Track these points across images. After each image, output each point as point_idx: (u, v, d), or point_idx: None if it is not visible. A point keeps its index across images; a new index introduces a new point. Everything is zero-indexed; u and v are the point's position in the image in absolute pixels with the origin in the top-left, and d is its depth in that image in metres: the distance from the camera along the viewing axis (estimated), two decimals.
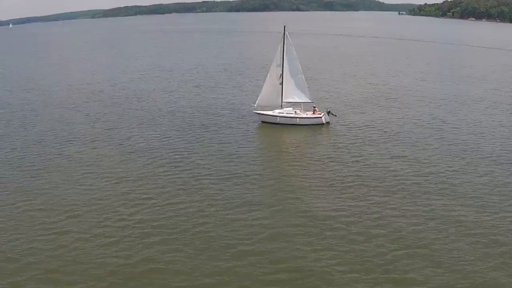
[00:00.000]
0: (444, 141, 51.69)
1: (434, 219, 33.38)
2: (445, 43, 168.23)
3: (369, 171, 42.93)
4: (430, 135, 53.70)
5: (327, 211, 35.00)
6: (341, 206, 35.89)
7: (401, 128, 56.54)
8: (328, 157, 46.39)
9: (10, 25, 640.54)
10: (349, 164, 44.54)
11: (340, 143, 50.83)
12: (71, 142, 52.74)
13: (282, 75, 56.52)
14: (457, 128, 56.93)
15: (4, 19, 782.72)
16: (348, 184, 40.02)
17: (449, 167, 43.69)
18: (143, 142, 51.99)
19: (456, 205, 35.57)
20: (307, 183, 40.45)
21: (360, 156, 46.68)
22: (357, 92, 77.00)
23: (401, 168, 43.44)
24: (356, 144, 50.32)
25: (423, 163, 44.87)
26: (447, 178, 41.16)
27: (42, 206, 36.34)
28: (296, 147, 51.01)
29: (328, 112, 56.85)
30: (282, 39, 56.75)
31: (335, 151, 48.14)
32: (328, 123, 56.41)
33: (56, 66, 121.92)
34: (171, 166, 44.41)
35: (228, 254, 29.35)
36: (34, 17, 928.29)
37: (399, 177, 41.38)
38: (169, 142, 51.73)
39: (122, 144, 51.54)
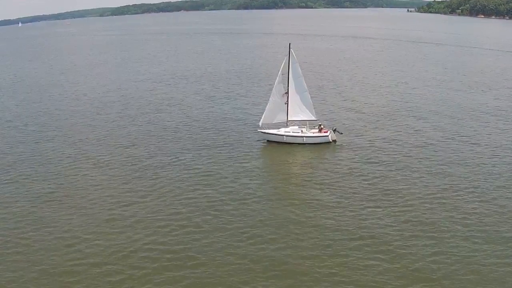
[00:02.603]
0: (458, 156, 51.52)
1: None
2: (456, 45, 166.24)
3: (379, 191, 42.96)
4: (442, 151, 53.31)
5: (336, 232, 35.36)
6: (351, 227, 36.15)
7: (412, 144, 55.99)
8: (336, 178, 46.15)
9: (20, 24, 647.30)
10: (358, 185, 44.43)
11: (347, 162, 50.52)
12: (83, 162, 52.79)
13: (287, 93, 56.40)
14: (470, 141, 56.74)
15: (13, 18, 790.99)
16: (357, 206, 40.13)
17: (465, 184, 43.70)
18: (151, 161, 52.33)
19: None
20: (316, 205, 40.49)
21: (369, 176, 46.54)
22: (364, 105, 75.91)
23: (413, 188, 43.40)
24: (364, 163, 50.02)
25: (436, 182, 44.78)
26: (465, 198, 41.26)
27: (62, 234, 36.79)
28: (303, 167, 50.74)
29: (334, 130, 56.66)
30: (287, 57, 56.33)
31: (343, 171, 47.83)
32: (334, 141, 56.11)
33: (65, 73, 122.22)
34: (178, 188, 44.68)
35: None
36: (43, 15, 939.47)
37: (410, 198, 41.34)
38: (175, 161, 51.91)
39: (131, 163, 51.70)
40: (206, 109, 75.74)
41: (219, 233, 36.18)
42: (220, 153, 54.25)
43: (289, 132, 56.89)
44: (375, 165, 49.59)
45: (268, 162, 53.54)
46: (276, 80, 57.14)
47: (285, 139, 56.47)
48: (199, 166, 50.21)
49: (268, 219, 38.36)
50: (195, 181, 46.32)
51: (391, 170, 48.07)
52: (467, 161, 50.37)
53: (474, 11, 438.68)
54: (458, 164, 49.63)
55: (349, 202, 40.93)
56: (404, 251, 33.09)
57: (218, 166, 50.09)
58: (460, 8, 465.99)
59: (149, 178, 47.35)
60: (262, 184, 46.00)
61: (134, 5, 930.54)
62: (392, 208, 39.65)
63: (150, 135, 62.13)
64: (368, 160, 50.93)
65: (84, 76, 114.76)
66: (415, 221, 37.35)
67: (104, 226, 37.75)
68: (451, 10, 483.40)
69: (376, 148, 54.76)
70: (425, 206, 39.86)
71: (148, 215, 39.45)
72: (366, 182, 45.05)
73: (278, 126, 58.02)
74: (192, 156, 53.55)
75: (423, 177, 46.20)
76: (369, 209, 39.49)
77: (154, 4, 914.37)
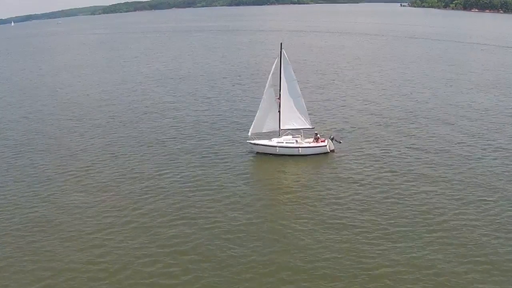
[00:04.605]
0: (477, 166, 46.22)
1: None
2: (456, 41, 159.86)
3: (384, 208, 37.91)
4: (456, 161, 47.73)
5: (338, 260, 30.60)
6: (353, 252, 31.59)
7: (421, 152, 50.26)
8: (336, 195, 40.80)
9: (12, 23, 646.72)
10: (362, 202, 39.29)
11: (348, 175, 44.99)
12: (66, 175, 48.20)
13: (279, 99, 50.70)
14: (487, 145, 51.73)
15: (5, 17, 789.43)
16: (360, 225, 35.29)
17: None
18: (137, 173, 47.85)
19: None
20: (315, 226, 35.46)
21: (373, 190, 41.30)
22: (364, 109, 69.32)
23: (425, 206, 38.11)
24: (367, 176, 44.58)
25: (453, 197, 39.61)
26: (494, 214, 36.58)
27: (41, 264, 32.24)
28: (299, 182, 44.85)
29: (332, 139, 51.05)
30: (279, 58, 50.37)
31: (343, 186, 42.46)
32: (332, 151, 50.55)
33: (52, 74, 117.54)
34: (162, 210, 39.61)
35: None
36: (35, 14, 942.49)
37: (422, 218, 36.15)
38: (157, 174, 47.03)
39: (117, 177, 47.12)
40: (194, 114, 70.35)
41: (208, 263, 31.57)
42: (206, 167, 48.35)
43: (282, 142, 50.89)
44: (380, 177, 44.21)
45: (259, 177, 47.48)
46: (267, 85, 51.14)
47: (278, 151, 50.48)
48: (186, 183, 44.66)
49: (261, 243, 33.62)
50: (181, 200, 41.06)
51: (398, 183, 42.70)
52: (488, 169, 45.20)
53: (468, 5, 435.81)
54: (479, 173, 44.37)
55: (350, 221, 36.07)
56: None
57: (204, 183, 44.55)
58: (454, 2, 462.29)
59: (135, 195, 42.55)
60: (253, 203, 40.25)
61: (126, 3, 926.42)
62: (400, 230, 34.46)
63: (136, 144, 57.46)
64: (372, 172, 45.47)
65: (72, 78, 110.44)
66: (427, 246, 32.26)
67: (87, 255, 32.98)
68: (445, 4, 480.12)
69: (380, 158, 49.18)
70: (440, 226, 34.89)
71: (133, 241, 34.66)
72: (371, 198, 39.81)
73: (269, 136, 52.30)
74: (177, 172, 47.71)
75: (438, 191, 40.79)
76: (375, 230, 34.49)
77: (145, 1, 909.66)
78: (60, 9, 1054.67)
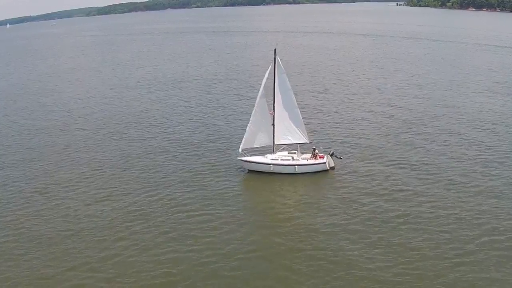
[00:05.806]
0: (484, 183, 42.63)
1: None
2: (458, 41, 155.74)
3: (394, 228, 34.76)
4: (469, 175, 44.13)
5: None
6: None
7: (432, 168, 46.18)
8: (338, 218, 37.13)
9: (8, 25, 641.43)
10: (367, 226, 35.73)
11: (351, 195, 41.20)
12: (43, 193, 45.02)
13: (273, 112, 46.74)
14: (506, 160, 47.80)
15: (1, 19, 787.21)
16: (376, 251, 32.02)
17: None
18: (120, 189, 44.84)
19: None
20: (315, 258, 31.80)
21: (379, 211, 37.79)
22: (367, 119, 64.60)
23: (440, 224, 35.07)
24: (371, 195, 40.81)
25: (467, 225, 35.90)
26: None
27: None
28: (296, 204, 40.89)
29: (331, 154, 47.15)
30: (272, 66, 46.30)
31: (348, 207, 38.85)
32: (332, 168, 46.64)
33: (40, 79, 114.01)
34: (144, 227, 36.63)
35: None
36: (31, 16, 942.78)
37: (439, 238, 33.10)
38: (143, 192, 43.71)
39: (103, 196, 43.70)
40: (187, 123, 66.95)
41: None
42: (192, 189, 44.23)
43: (277, 159, 46.68)
44: (386, 195, 40.60)
45: (251, 199, 43.60)
46: (258, 95, 46.77)
47: (272, 169, 46.28)
48: (176, 205, 41.01)
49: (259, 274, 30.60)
50: (168, 223, 37.64)
51: (408, 202, 39.13)
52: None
53: (464, 4, 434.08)
54: (502, 186, 41.02)
55: (358, 245, 32.99)
56: None
57: (190, 205, 40.84)
58: (451, 0, 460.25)
59: (121, 214, 39.55)
60: (247, 229, 36.58)
61: (121, 4, 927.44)
62: (419, 257, 31.27)
63: (125, 157, 54.24)
64: (377, 192, 41.62)
65: (61, 83, 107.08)
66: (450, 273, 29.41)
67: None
68: (441, 3, 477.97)
69: (386, 175, 45.13)
70: (463, 253, 31.74)
71: (114, 270, 31.66)
72: (376, 221, 36.34)
73: (262, 152, 48.14)
74: (165, 191, 43.89)
75: (452, 212, 37.31)
76: (388, 260, 31.11)
77: (140, 2, 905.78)
78: (55, 11, 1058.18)
